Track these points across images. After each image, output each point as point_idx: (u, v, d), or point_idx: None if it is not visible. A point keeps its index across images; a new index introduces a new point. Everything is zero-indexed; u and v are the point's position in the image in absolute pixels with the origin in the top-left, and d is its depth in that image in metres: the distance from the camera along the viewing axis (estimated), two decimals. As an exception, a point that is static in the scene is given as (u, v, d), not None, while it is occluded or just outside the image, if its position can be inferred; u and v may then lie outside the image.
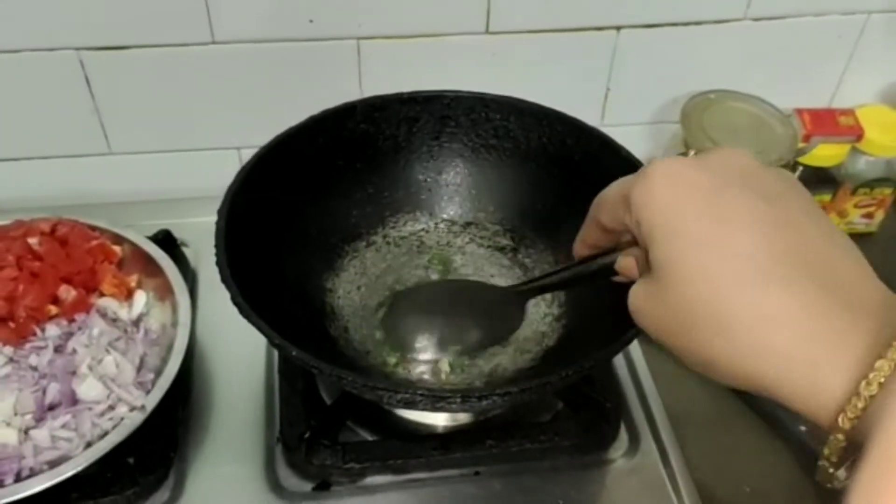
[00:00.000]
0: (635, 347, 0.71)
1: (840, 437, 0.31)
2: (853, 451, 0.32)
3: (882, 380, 0.30)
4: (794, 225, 0.36)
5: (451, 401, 0.49)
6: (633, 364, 0.70)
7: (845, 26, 0.86)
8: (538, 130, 0.70)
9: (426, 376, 0.62)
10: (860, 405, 0.30)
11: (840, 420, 0.31)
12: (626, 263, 0.45)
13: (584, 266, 0.51)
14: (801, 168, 0.86)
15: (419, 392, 0.49)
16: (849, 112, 0.86)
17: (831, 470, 0.33)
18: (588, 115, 0.88)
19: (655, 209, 0.38)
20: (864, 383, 0.30)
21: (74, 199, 0.82)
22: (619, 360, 0.70)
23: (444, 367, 0.62)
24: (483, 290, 0.63)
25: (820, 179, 0.87)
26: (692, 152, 0.81)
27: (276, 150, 0.64)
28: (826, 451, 0.33)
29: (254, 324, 0.52)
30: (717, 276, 0.35)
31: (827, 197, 0.88)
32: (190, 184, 0.86)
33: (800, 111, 0.86)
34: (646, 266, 0.40)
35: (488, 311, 0.61)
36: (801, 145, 0.84)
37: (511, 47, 0.82)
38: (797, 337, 0.33)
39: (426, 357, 0.61)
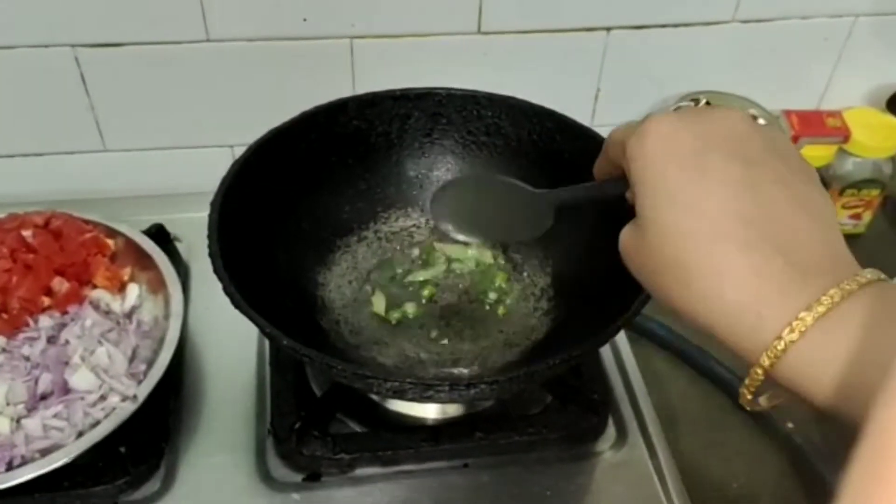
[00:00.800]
0: (623, 343, 0.72)
1: (759, 371, 0.36)
2: (768, 386, 0.37)
3: (803, 329, 0.34)
4: (765, 189, 0.39)
5: (440, 389, 0.50)
6: (620, 358, 0.71)
7: (832, 29, 0.87)
8: (528, 127, 0.71)
9: (418, 355, 0.62)
10: (780, 347, 0.35)
11: (762, 358, 0.35)
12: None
13: (601, 188, 0.54)
14: (788, 169, 0.87)
15: (408, 381, 0.49)
16: (836, 114, 0.87)
17: (749, 397, 0.39)
18: (578, 115, 0.88)
19: (643, 164, 0.40)
20: (787, 330, 0.35)
21: (69, 194, 0.83)
22: (607, 355, 0.71)
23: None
24: (517, 190, 0.61)
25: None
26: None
27: (269, 144, 0.65)
28: (746, 382, 0.38)
29: (245, 313, 0.53)
30: (685, 231, 0.38)
31: (814, 197, 0.89)
32: (184, 181, 0.86)
33: (788, 112, 0.87)
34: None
35: (520, 211, 0.60)
36: (789, 146, 0.85)
37: (502, 47, 0.83)
38: (745, 293, 0.36)
39: (462, 237, 0.59)
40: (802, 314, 0.34)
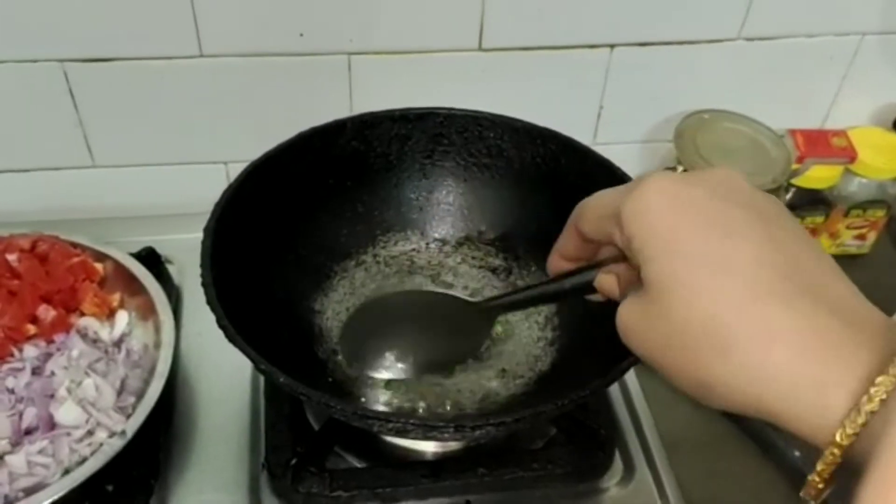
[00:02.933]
0: (630, 373, 0.70)
1: (836, 452, 0.31)
2: (844, 470, 0.32)
3: (883, 396, 0.29)
4: (789, 246, 0.35)
5: (444, 430, 0.48)
6: (626, 389, 0.69)
7: (838, 47, 0.86)
8: (532, 150, 0.69)
9: (419, 403, 0.61)
10: (860, 420, 0.30)
11: (838, 435, 0.30)
12: (606, 281, 0.44)
13: (558, 283, 0.49)
14: (793, 189, 0.85)
15: (411, 421, 0.47)
16: (841, 133, 0.85)
17: (821, 486, 0.33)
18: (581, 133, 0.87)
19: (650, 224, 0.36)
20: (864, 398, 0.30)
21: (57, 212, 0.80)
22: (613, 387, 0.69)
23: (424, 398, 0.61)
24: (448, 304, 0.61)
25: (812, 201, 0.87)
26: (681, 168, 0.80)
27: (264, 167, 0.63)
28: (819, 467, 0.32)
29: (240, 348, 0.50)
30: (717, 292, 0.34)
31: (820, 219, 0.88)
32: (176, 199, 0.84)
33: (793, 132, 0.86)
34: (633, 283, 0.39)
35: (452, 327, 0.59)
36: (794, 167, 0.83)
37: (504, 64, 0.81)
38: (800, 355, 0.32)
39: (383, 376, 0.58)
40: (880, 379, 0.30)
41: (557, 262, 0.49)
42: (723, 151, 0.80)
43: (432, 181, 0.71)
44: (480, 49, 0.80)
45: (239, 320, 0.53)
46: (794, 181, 0.85)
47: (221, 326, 0.51)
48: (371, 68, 0.79)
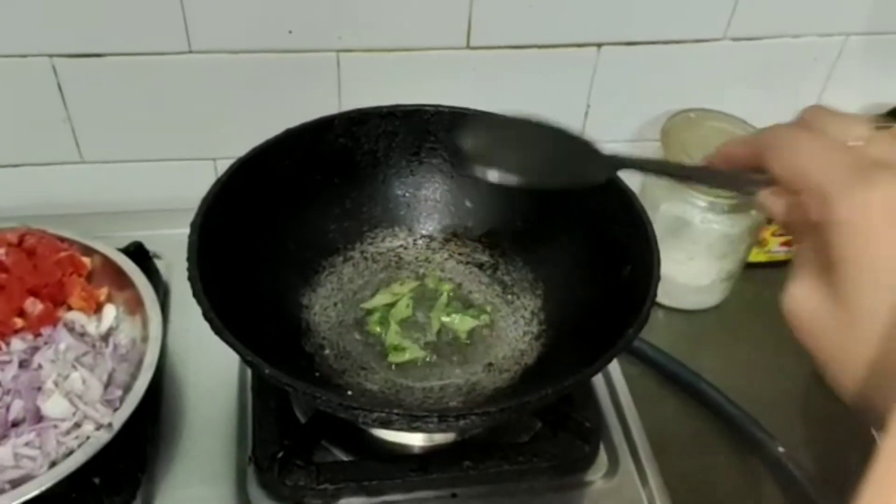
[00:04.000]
0: (614, 366, 0.71)
1: None
2: None
3: None
4: None
5: (428, 420, 0.48)
6: (612, 384, 0.69)
7: (823, 48, 0.86)
8: (519, 146, 0.69)
9: (405, 381, 0.61)
10: None
11: None
12: (775, 204, 0.38)
13: (711, 172, 0.45)
14: (778, 188, 0.86)
15: (395, 411, 0.47)
16: (826, 134, 0.86)
17: None
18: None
19: (866, 232, 0.32)
20: None
21: (46, 208, 0.80)
22: (598, 381, 0.69)
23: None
24: (574, 141, 0.55)
25: (797, 199, 0.87)
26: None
27: (252, 162, 0.63)
28: None
29: (226, 340, 0.51)
30: None
31: (804, 217, 0.88)
32: (165, 194, 0.84)
33: (778, 131, 0.86)
34: (810, 259, 0.35)
35: (573, 155, 0.54)
36: (780, 165, 0.84)
37: (492, 63, 0.81)
38: None
39: (493, 178, 0.50)
40: None
41: (720, 159, 0.43)
42: (709, 149, 0.80)
43: (419, 178, 0.71)
44: (468, 47, 0.80)
45: (226, 314, 0.53)
46: (780, 180, 0.85)
47: (208, 319, 0.52)
48: (360, 66, 0.79)
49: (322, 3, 0.74)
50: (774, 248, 0.91)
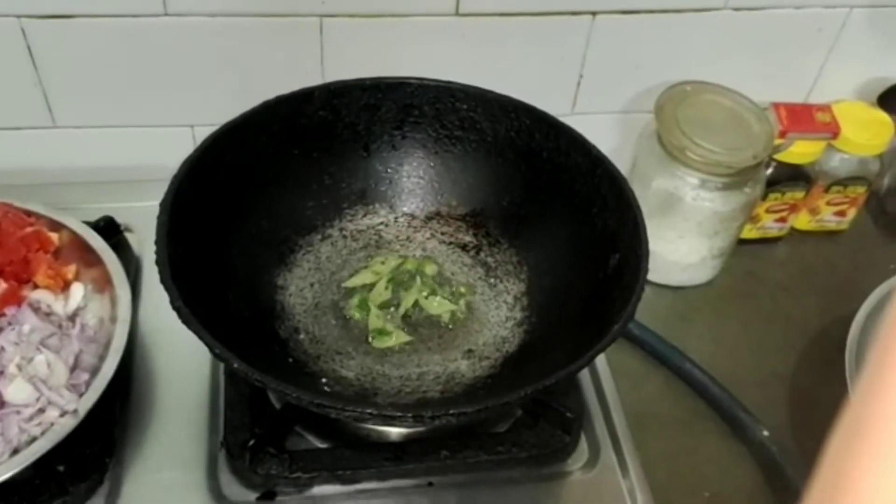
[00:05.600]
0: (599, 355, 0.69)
1: None
2: None
3: None
4: None
5: (402, 420, 0.47)
6: (596, 372, 0.68)
7: (826, 19, 0.83)
8: (506, 123, 0.67)
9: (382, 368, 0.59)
10: None
11: None
12: None
13: None
14: (774, 164, 0.84)
15: (367, 411, 0.46)
16: (826, 108, 0.83)
17: None
18: (559, 102, 0.85)
19: None
20: None
21: (17, 175, 0.77)
22: (581, 366, 0.67)
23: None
24: None
25: (793, 176, 0.85)
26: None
27: (226, 137, 0.61)
28: None
29: (194, 331, 0.49)
30: None
31: (800, 194, 0.86)
32: (141, 161, 0.81)
33: (776, 105, 0.84)
34: None
35: None
36: (778, 142, 0.82)
37: (482, 30, 0.78)
38: None
39: None
40: None
41: None
42: (704, 125, 0.78)
43: (402, 153, 0.69)
44: (457, 14, 0.77)
45: (196, 298, 0.51)
46: (777, 156, 0.83)
47: (175, 308, 0.50)
48: (344, 31, 0.76)
49: (304, -36, 0.71)
50: (768, 223, 0.89)
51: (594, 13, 0.79)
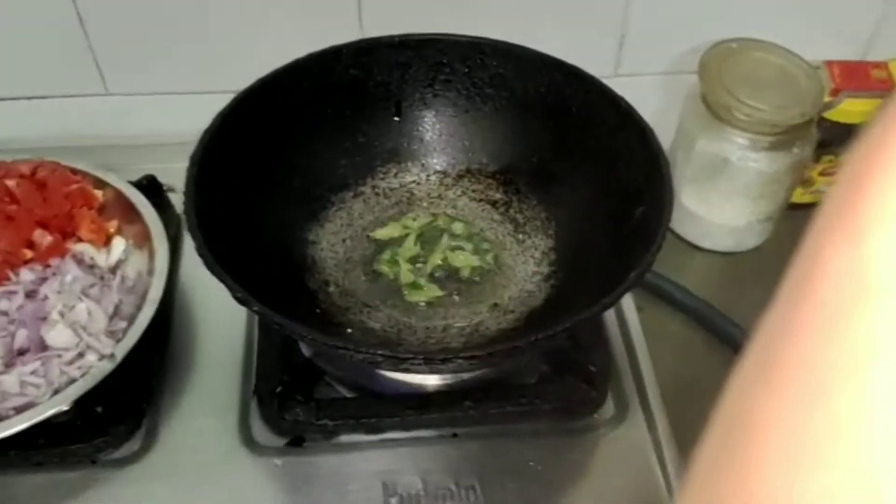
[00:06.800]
0: (629, 310, 0.68)
1: None
2: None
3: None
4: None
5: (414, 362, 0.47)
6: (625, 323, 0.67)
7: (884, -30, 0.80)
8: (536, 79, 0.66)
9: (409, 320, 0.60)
10: None
11: None
12: None
13: None
14: (826, 124, 0.81)
15: (379, 352, 0.47)
16: (882, 65, 0.80)
17: None
18: (600, 64, 0.83)
19: None
20: None
21: (69, 140, 0.81)
22: (611, 323, 0.67)
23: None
24: None
25: (846, 136, 0.82)
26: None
27: (257, 94, 0.62)
28: None
29: (217, 276, 0.50)
30: None
31: (853, 156, 0.83)
32: (187, 126, 0.84)
33: (829, 63, 0.81)
34: None
35: None
36: (827, 99, 0.79)
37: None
38: None
39: None
40: None
41: None
42: (751, 83, 0.76)
43: (433, 111, 0.69)
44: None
45: (224, 248, 0.53)
46: (828, 115, 0.80)
47: (200, 254, 0.51)
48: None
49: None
50: (822, 187, 0.86)
51: (635, -31, 0.77)
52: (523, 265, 0.65)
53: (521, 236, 0.67)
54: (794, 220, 0.85)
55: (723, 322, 0.75)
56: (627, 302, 0.67)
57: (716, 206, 0.82)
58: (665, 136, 0.86)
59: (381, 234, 0.66)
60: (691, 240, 0.84)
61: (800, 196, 0.86)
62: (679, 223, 0.85)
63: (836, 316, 0.19)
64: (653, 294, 0.75)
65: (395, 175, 0.70)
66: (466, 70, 0.67)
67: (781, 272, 0.74)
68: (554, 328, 0.49)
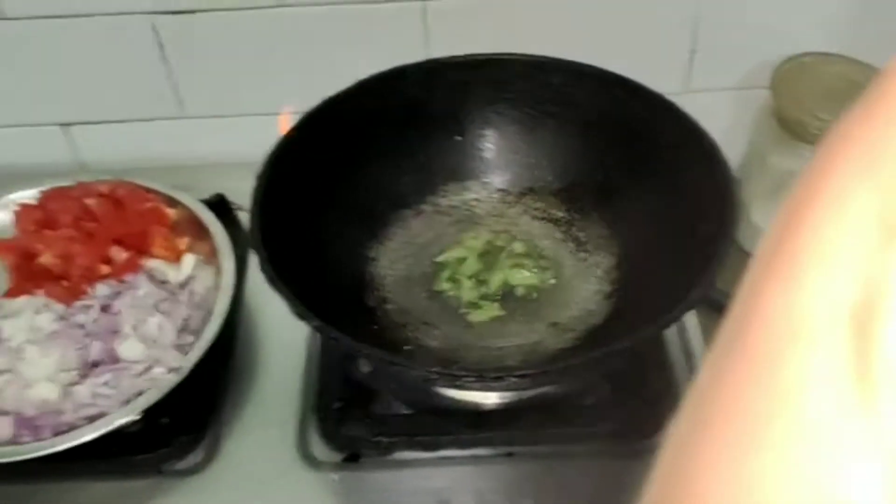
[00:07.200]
0: (694, 330, 0.66)
1: None
2: None
3: None
4: None
5: (468, 379, 0.47)
6: (688, 345, 0.65)
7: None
8: (599, 96, 0.65)
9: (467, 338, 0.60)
10: None
11: None
12: None
13: None
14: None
15: (434, 370, 0.47)
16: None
17: None
18: (670, 79, 0.82)
19: None
20: None
21: (147, 161, 0.84)
22: (672, 340, 0.65)
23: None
24: None
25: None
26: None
27: (322, 114, 0.64)
28: None
29: (278, 290, 0.52)
30: None
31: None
32: (263, 148, 0.86)
33: (910, 76, 0.77)
34: None
35: None
36: (909, 115, 0.75)
37: (587, 4, 0.77)
38: None
39: None
40: None
41: None
42: (825, 98, 0.74)
43: (496, 130, 0.69)
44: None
45: (287, 264, 0.54)
46: (909, 130, 0.77)
47: (263, 270, 0.53)
48: (447, 14, 0.77)
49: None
50: None
51: (704, -19, 0.76)
52: (584, 283, 0.64)
53: (582, 254, 0.66)
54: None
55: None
56: (691, 321, 0.66)
57: (790, 224, 0.79)
58: (736, 151, 0.84)
59: (444, 257, 0.66)
60: (763, 257, 0.82)
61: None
62: (750, 241, 0.82)
63: (767, 362, 0.18)
64: (719, 312, 0.73)
65: (457, 193, 0.70)
66: (529, 89, 0.67)
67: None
68: (610, 347, 0.48)
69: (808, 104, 0.73)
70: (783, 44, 0.79)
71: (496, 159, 0.70)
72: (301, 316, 0.51)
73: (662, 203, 0.62)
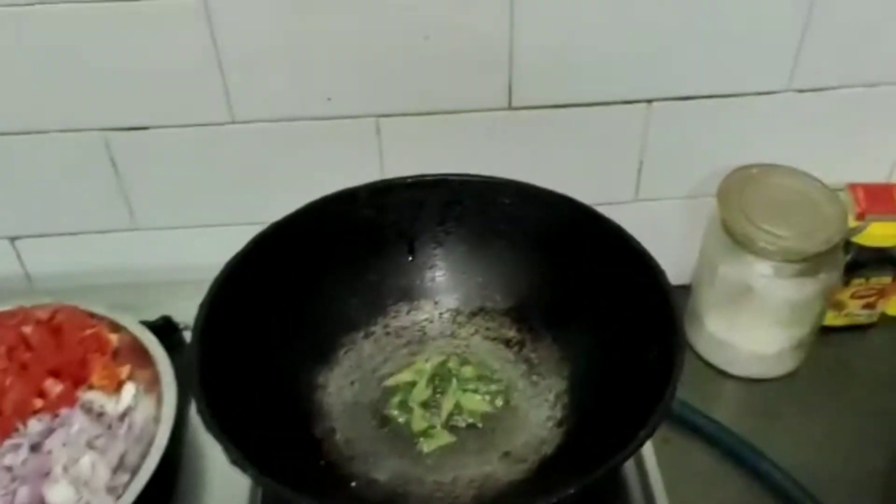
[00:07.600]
0: (648, 453, 0.65)
1: None
2: None
3: None
4: None
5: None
6: (642, 463, 0.64)
7: (900, 97, 0.79)
8: (549, 217, 0.66)
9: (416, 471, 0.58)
10: None
11: None
12: None
13: None
14: (855, 248, 0.79)
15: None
16: (907, 186, 0.78)
17: None
18: (620, 189, 0.84)
19: None
20: None
21: (96, 276, 0.82)
22: (628, 465, 0.64)
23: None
24: None
25: (878, 260, 0.80)
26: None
27: (271, 238, 0.63)
28: None
29: (214, 436, 0.50)
30: None
31: (887, 279, 0.81)
32: (215, 259, 0.85)
33: (853, 186, 0.79)
34: None
35: None
36: (854, 224, 0.77)
37: (535, 122, 0.78)
38: None
39: None
40: None
41: None
42: (771, 210, 0.75)
43: (447, 249, 0.69)
44: (510, 108, 0.77)
45: (230, 399, 0.53)
46: (857, 239, 0.78)
47: (199, 412, 0.51)
48: (400, 130, 0.77)
49: (359, 71, 0.73)
50: (855, 310, 0.83)
51: (650, 101, 0.78)
52: (536, 409, 0.63)
53: (534, 377, 0.65)
54: (827, 345, 0.83)
55: (754, 456, 0.72)
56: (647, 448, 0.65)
57: (743, 332, 0.79)
58: (689, 260, 0.85)
59: (394, 380, 0.65)
60: (719, 366, 0.82)
61: (832, 319, 0.84)
62: (706, 350, 0.82)
63: None
64: (678, 424, 0.73)
65: (408, 313, 0.69)
66: (479, 208, 0.68)
67: (818, 399, 0.71)
68: (563, 489, 0.47)
69: (754, 216, 0.74)
70: (731, 154, 0.80)
71: (447, 279, 0.69)
72: (236, 463, 0.49)
73: (610, 327, 0.62)
